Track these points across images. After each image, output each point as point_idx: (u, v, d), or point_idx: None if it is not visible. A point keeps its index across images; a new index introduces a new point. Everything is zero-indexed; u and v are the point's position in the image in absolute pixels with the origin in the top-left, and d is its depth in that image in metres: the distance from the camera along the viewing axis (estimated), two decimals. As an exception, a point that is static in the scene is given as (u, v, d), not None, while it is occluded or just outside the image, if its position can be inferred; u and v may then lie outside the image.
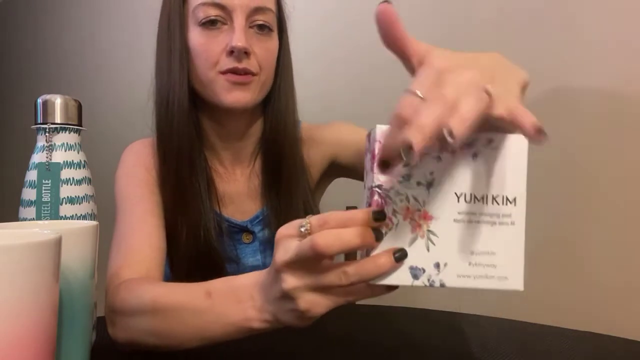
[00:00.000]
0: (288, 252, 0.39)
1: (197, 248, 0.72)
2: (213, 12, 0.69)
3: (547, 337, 0.61)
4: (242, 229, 0.79)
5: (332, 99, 1.49)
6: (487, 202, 0.39)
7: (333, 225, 0.38)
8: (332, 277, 0.38)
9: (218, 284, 0.48)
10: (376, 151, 0.38)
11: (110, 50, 2.30)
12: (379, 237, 0.38)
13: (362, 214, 0.38)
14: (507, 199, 0.39)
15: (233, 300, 0.45)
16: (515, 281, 0.39)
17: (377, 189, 0.39)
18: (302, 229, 0.39)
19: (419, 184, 0.39)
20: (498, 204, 0.39)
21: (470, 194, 0.39)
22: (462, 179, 0.39)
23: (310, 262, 0.38)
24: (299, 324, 0.41)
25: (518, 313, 0.70)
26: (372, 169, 0.39)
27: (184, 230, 0.72)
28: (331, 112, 1.46)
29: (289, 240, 0.40)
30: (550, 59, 1.11)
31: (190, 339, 0.48)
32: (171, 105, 0.71)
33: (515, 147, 0.39)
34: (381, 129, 0.38)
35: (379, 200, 0.38)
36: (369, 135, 0.40)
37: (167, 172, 0.72)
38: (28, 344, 0.33)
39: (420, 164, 0.39)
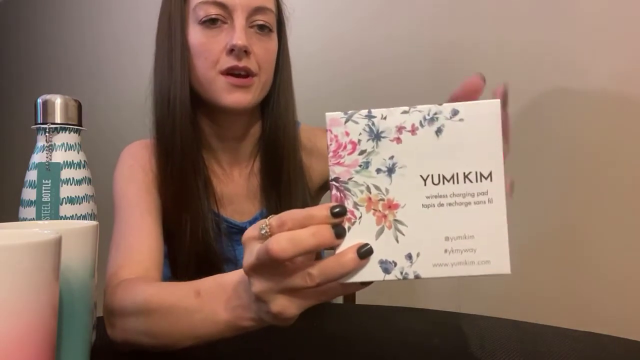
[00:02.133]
0: (252, 255, 0.38)
1: (195, 249, 0.72)
2: (214, 11, 0.69)
3: (547, 337, 0.61)
4: (242, 230, 0.79)
5: (329, 98, 1.49)
6: (457, 182, 0.36)
7: (291, 226, 0.36)
8: (297, 280, 0.37)
9: (207, 283, 0.47)
10: (328, 141, 0.37)
11: (110, 50, 2.30)
12: (340, 233, 0.36)
13: (320, 210, 0.36)
14: (482, 174, 0.36)
15: (222, 299, 0.45)
16: (499, 264, 0.36)
17: (334, 182, 0.37)
18: (262, 231, 0.38)
19: (378, 171, 0.36)
20: (471, 181, 0.36)
21: (438, 175, 0.36)
22: (427, 159, 0.36)
23: (272, 266, 0.37)
24: (279, 324, 0.41)
25: (518, 313, 0.70)
26: (328, 161, 0.37)
27: (182, 230, 0.72)
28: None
29: (253, 242, 0.39)
30: (551, 59, 1.11)
31: (184, 338, 0.48)
32: (172, 104, 0.71)
33: (486, 115, 0.36)
34: (331, 117, 0.37)
35: (338, 194, 0.36)
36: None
37: (168, 172, 0.72)
38: (28, 343, 0.33)
39: (378, 149, 0.36)
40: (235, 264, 0.78)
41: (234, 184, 0.80)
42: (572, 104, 1.09)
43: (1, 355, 0.31)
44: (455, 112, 0.36)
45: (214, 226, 0.74)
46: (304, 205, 0.77)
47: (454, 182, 0.36)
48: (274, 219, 0.38)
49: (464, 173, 0.36)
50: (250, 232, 0.40)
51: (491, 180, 0.36)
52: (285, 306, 0.39)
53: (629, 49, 1.02)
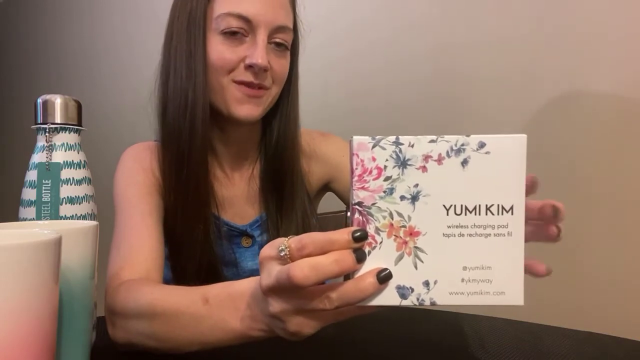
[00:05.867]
0: (270, 276, 0.38)
1: (196, 251, 0.72)
2: (236, 24, 0.68)
3: (547, 337, 0.61)
4: (242, 233, 0.79)
5: (329, 100, 1.49)
6: (479, 213, 0.37)
7: (311, 250, 0.36)
8: (316, 302, 0.37)
9: (215, 290, 0.47)
10: (354, 165, 0.36)
11: (110, 50, 2.31)
12: (361, 258, 0.36)
13: (341, 235, 0.36)
14: (503, 207, 0.37)
15: (230, 308, 0.45)
16: (513, 296, 0.37)
17: (357, 207, 0.37)
18: (282, 253, 0.38)
19: (402, 198, 0.36)
20: (493, 214, 0.37)
21: (461, 206, 0.36)
22: (451, 189, 0.36)
23: (292, 290, 0.37)
24: (293, 339, 0.41)
25: (518, 313, 0.70)
26: (351, 184, 0.37)
27: (195, 234, 0.72)
28: (328, 113, 1.46)
29: (271, 262, 0.39)
30: (554, 66, 1.11)
31: (190, 343, 0.48)
32: (192, 110, 0.69)
33: (512, 150, 0.37)
34: (358, 141, 0.36)
35: (360, 218, 0.37)
36: (350, 143, 0.38)
37: (182, 176, 0.71)
38: (28, 344, 0.33)
39: (404, 176, 0.36)
40: (235, 266, 0.78)
41: (235, 188, 0.80)
42: (572, 107, 1.09)
43: (1, 355, 0.31)
44: (482, 145, 0.36)
45: (214, 229, 0.74)
46: (303, 210, 0.78)
47: (475, 214, 0.37)
48: (293, 241, 0.37)
49: (487, 205, 0.37)
50: (268, 251, 0.39)
51: (512, 213, 0.37)
52: (302, 326, 0.39)
53: (629, 52, 1.02)
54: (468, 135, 0.37)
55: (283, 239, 0.38)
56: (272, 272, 0.38)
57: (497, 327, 0.65)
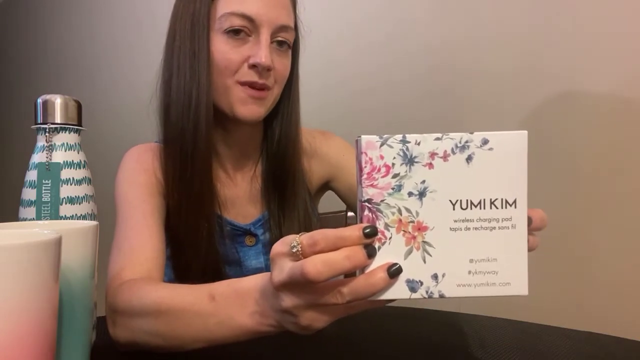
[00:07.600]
0: (282, 272, 0.39)
1: (201, 250, 0.72)
2: (239, 23, 0.69)
3: (547, 337, 0.61)
4: (245, 232, 0.79)
5: (329, 99, 1.49)
6: (484, 207, 0.38)
7: (323, 247, 0.37)
8: (328, 297, 0.38)
9: (222, 287, 0.47)
10: (363, 163, 0.38)
11: (110, 50, 2.31)
12: (371, 253, 0.37)
13: (352, 231, 0.37)
14: (507, 201, 0.38)
15: (237, 304, 0.45)
16: (518, 286, 0.39)
17: (366, 204, 0.38)
18: (294, 250, 0.38)
19: (410, 194, 0.38)
20: (497, 207, 0.38)
21: (466, 200, 0.38)
22: (456, 185, 0.38)
23: (304, 285, 0.38)
24: (303, 333, 0.42)
25: (518, 313, 0.70)
26: (360, 182, 0.38)
27: (200, 234, 0.72)
28: (328, 112, 1.46)
29: (283, 259, 0.39)
30: (553, 62, 1.11)
31: (195, 341, 0.48)
32: (195, 109, 0.69)
33: (514, 145, 0.38)
34: (366, 140, 0.37)
35: (370, 215, 0.38)
36: (357, 142, 0.39)
37: (187, 176, 0.71)
38: (28, 343, 0.33)
39: (411, 174, 0.38)
40: (239, 265, 0.78)
41: (237, 188, 0.80)
42: (572, 104, 1.09)
43: (1, 355, 0.31)
44: (485, 142, 0.38)
45: (217, 229, 0.75)
46: (305, 208, 0.78)
47: (480, 208, 0.38)
48: (305, 238, 0.38)
49: (491, 199, 0.38)
50: (279, 247, 0.40)
51: (515, 207, 0.38)
52: (314, 320, 0.40)
53: (629, 52, 1.02)
54: (472, 133, 0.38)
55: (294, 235, 0.39)
56: (284, 268, 0.39)
57: (497, 327, 0.65)
